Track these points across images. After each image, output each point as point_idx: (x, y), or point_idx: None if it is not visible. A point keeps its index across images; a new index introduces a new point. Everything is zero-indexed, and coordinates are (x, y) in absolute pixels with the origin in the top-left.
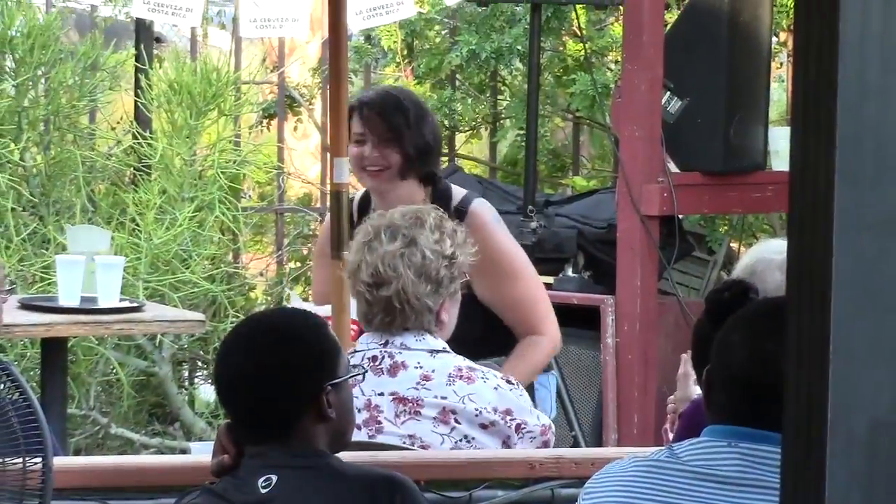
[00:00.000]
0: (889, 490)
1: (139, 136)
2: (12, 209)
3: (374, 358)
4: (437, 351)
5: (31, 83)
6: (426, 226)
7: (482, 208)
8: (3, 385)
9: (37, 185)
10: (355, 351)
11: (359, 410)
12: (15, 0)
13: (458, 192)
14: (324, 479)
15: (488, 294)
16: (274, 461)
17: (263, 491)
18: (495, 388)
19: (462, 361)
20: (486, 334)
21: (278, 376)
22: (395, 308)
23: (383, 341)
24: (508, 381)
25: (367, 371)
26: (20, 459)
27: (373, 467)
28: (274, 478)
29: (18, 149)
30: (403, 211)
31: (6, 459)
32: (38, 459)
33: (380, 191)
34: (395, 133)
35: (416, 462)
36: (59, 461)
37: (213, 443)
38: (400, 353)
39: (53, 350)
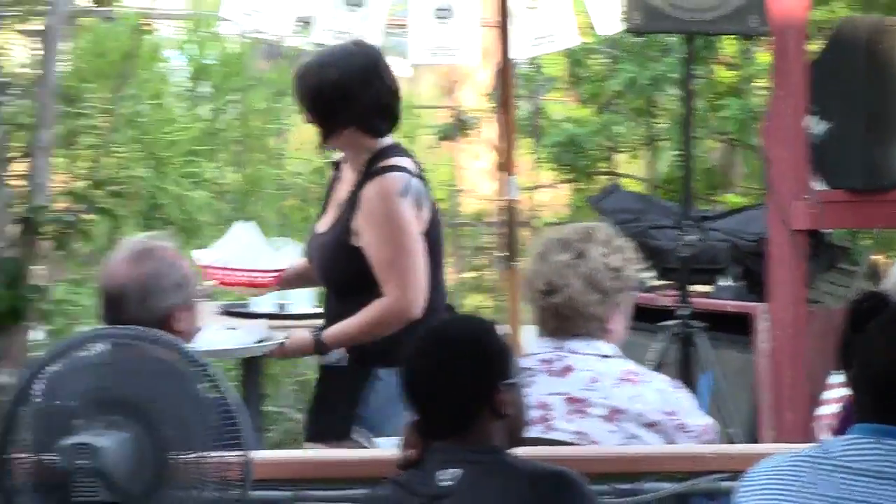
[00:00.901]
0: None
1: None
2: (209, 224)
3: (547, 360)
4: (607, 356)
5: (224, 108)
6: (596, 240)
7: (388, 182)
8: (207, 385)
9: (232, 200)
10: (531, 353)
11: (532, 409)
12: (209, 32)
13: (393, 161)
14: (497, 473)
15: (366, 249)
16: (453, 456)
17: (443, 484)
18: (659, 391)
19: (629, 366)
20: (354, 279)
21: (457, 378)
22: (565, 315)
23: (556, 346)
24: (672, 385)
25: (537, 373)
26: (222, 453)
27: (545, 463)
28: (453, 471)
29: (217, 167)
30: (576, 227)
31: (209, 453)
32: (239, 453)
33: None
34: (304, 106)
35: (588, 456)
36: (255, 454)
37: (396, 438)
38: (571, 356)
39: None
